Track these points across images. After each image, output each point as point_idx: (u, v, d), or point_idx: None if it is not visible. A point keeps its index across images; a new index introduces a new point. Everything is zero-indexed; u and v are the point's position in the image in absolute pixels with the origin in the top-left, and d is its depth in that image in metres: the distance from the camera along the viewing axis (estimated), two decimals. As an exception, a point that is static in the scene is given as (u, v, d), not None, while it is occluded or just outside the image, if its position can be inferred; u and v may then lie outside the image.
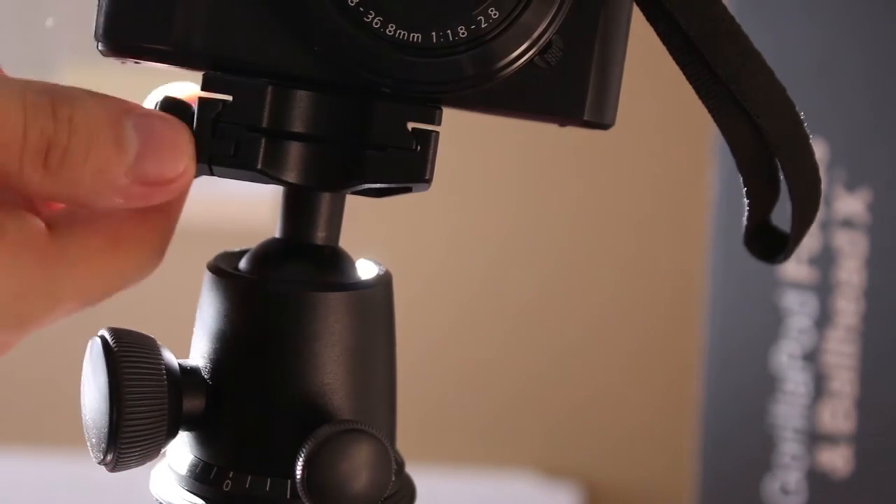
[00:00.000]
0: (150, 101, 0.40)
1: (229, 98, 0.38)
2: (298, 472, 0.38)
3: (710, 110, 0.42)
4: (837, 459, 0.82)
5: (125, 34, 0.38)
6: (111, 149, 0.36)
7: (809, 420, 0.82)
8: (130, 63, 0.39)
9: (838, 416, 0.82)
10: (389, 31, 0.37)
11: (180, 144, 0.37)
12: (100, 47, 0.39)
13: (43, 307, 0.37)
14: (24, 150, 0.35)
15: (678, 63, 0.41)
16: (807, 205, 0.43)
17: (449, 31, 0.37)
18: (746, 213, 0.44)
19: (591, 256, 1.47)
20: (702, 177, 1.00)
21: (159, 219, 0.39)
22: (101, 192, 0.37)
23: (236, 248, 0.43)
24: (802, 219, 0.43)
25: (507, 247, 1.47)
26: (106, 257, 0.38)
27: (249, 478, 0.40)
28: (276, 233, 0.42)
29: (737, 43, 0.41)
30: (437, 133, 0.39)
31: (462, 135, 0.94)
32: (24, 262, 0.36)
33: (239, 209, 1.38)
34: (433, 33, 0.37)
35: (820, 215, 0.80)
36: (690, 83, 0.42)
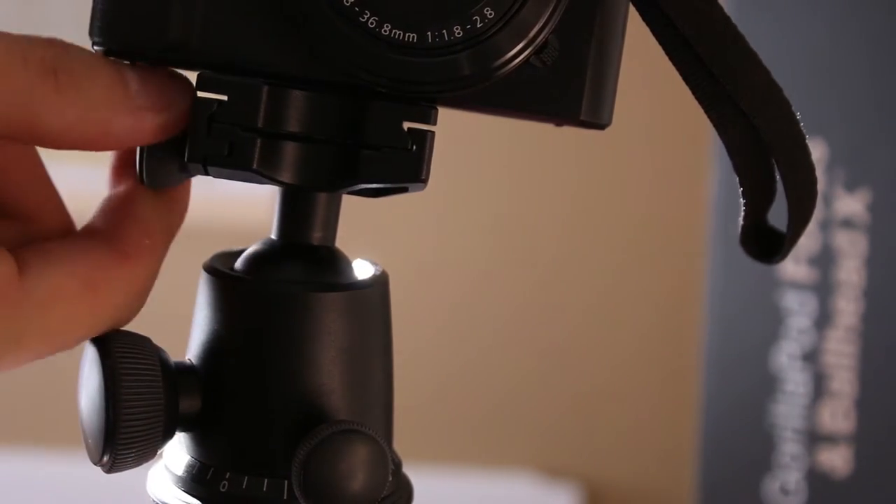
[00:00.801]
0: None
1: (224, 98, 0.38)
2: (295, 472, 0.38)
3: (706, 110, 0.42)
4: (837, 459, 0.82)
5: (121, 34, 0.38)
6: (113, 68, 0.37)
7: (809, 420, 0.82)
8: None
9: (838, 416, 0.81)
10: (385, 31, 0.37)
11: (173, 75, 0.38)
12: (95, 48, 0.39)
13: (3, 349, 0.36)
14: (29, 75, 0.35)
15: (674, 62, 0.41)
16: (803, 205, 0.43)
17: (444, 31, 0.37)
18: (742, 213, 0.44)
19: (592, 256, 1.47)
20: (701, 177, 1.00)
21: (140, 261, 0.38)
22: (113, 111, 0.37)
23: (232, 248, 0.43)
24: (799, 219, 0.43)
25: (507, 246, 1.47)
26: (81, 302, 0.37)
27: (246, 478, 0.40)
28: (272, 233, 0.42)
29: (733, 42, 0.41)
30: (433, 133, 0.38)
31: (460, 134, 0.94)
32: None
33: (235, 209, 1.38)
34: (429, 33, 0.37)
35: (819, 215, 0.80)
36: (686, 83, 0.42)
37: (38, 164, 0.40)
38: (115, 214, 0.39)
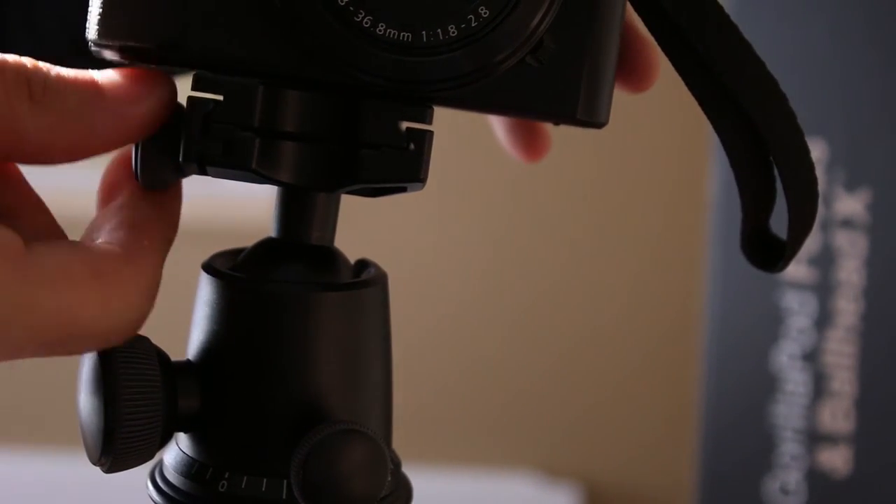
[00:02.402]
0: None
1: (220, 98, 0.38)
2: (294, 472, 0.38)
3: (702, 105, 0.42)
4: (837, 459, 0.82)
5: (117, 34, 0.38)
6: (81, 72, 0.37)
7: (809, 420, 0.82)
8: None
9: (838, 416, 0.81)
10: (379, 31, 0.37)
11: (141, 70, 0.38)
12: (91, 47, 0.39)
13: (20, 321, 0.35)
14: (4, 88, 0.35)
15: (668, 55, 0.41)
16: (803, 208, 0.42)
17: (439, 30, 0.37)
18: (742, 216, 0.44)
19: (592, 257, 1.47)
20: (701, 178, 1.00)
21: (143, 261, 0.38)
22: (92, 111, 0.37)
23: (231, 248, 0.43)
24: (799, 223, 0.43)
25: (507, 247, 1.47)
26: (89, 287, 0.36)
27: (245, 478, 0.40)
28: (271, 233, 0.42)
29: (726, 34, 0.40)
30: (432, 133, 0.39)
31: (460, 135, 0.94)
32: None
33: (234, 209, 1.38)
34: (423, 32, 0.37)
35: (820, 215, 0.80)
36: (681, 76, 0.41)
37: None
38: (111, 220, 0.39)
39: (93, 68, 0.38)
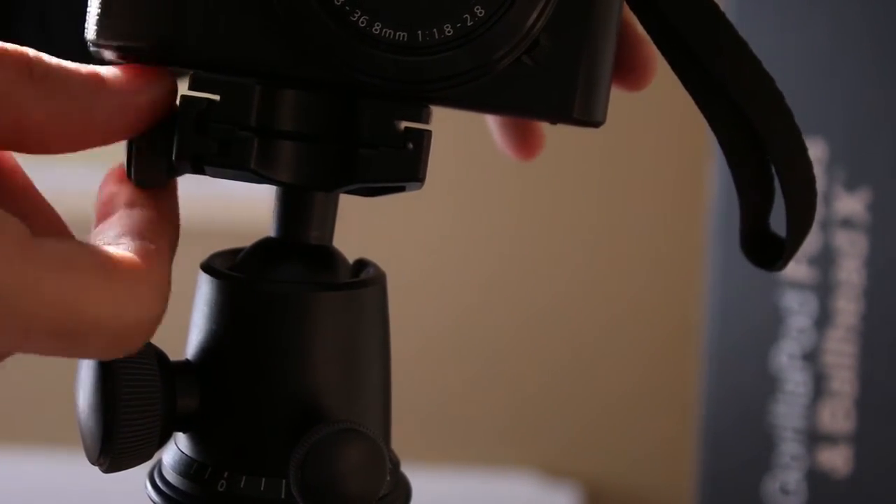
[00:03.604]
0: None
1: (216, 97, 0.38)
2: (293, 471, 0.38)
3: (698, 103, 0.42)
4: (837, 459, 0.82)
5: (115, 34, 0.38)
6: (90, 67, 0.37)
7: (809, 420, 0.82)
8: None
9: (838, 416, 0.81)
10: (375, 30, 0.37)
11: (146, 66, 0.38)
12: (90, 47, 0.39)
13: (24, 302, 0.34)
14: (7, 75, 0.35)
15: (664, 54, 0.41)
16: (802, 205, 0.42)
17: (436, 30, 0.37)
18: (740, 214, 0.44)
19: (591, 258, 1.47)
20: (701, 177, 1.00)
21: (153, 260, 0.37)
22: (93, 100, 0.37)
23: (230, 248, 0.43)
24: (797, 221, 0.43)
25: (505, 247, 1.47)
26: (94, 275, 0.35)
27: (244, 478, 0.40)
28: (270, 232, 0.42)
29: (722, 32, 0.41)
30: (430, 132, 0.39)
31: (460, 135, 0.94)
32: (1, 248, 0.34)
33: (234, 209, 1.38)
34: (419, 31, 0.37)
35: (820, 215, 0.80)
36: (677, 75, 0.41)
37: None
38: (115, 229, 0.39)
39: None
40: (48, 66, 0.37)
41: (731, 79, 0.41)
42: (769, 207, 0.44)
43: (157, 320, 0.37)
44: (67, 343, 0.35)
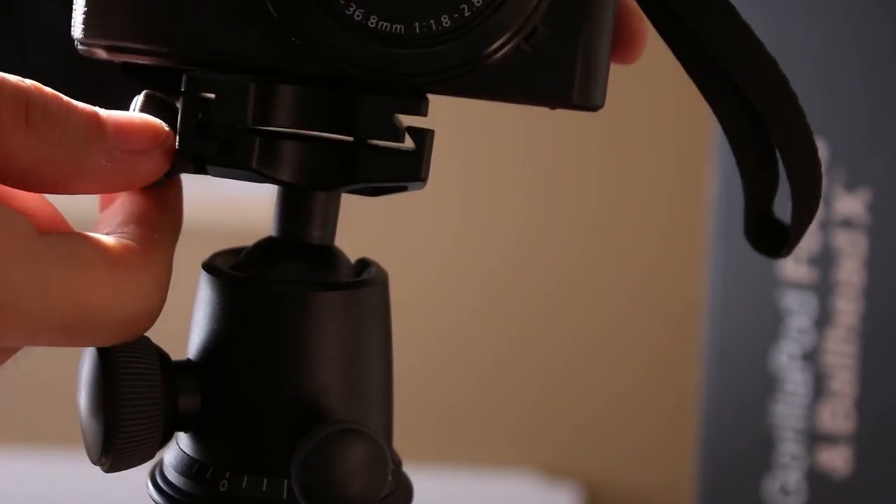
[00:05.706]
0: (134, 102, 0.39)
1: (212, 96, 0.37)
2: (294, 471, 0.38)
3: (700, 87, 0.41)
4: (837, 459, 0.82)
5: (105, 31, 0.38)
6: (89, 108, 0.36)
7: (809, 420, 0.82)
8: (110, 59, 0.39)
9: (838, 416, 0.81)
10: (371, 23, 0.37)
11: (152, 123, 0.37)
12: (79, 46, 0.38)
13: (33, 300, 0.34)
14: (1, 105, 0.34)
15: (663, 36, 0.41)
16: (807, 189, 0.42)
17: (432, 21, 0.37)
18: (744, 201, 0.43)
19: (591, 257, 1.47)
20: (702, 176, 0.99)
21: (154, 252, 0.38)
22: (88, 146, 0.36)
23: (232, 248, 0.43)
24: (803, 205, 0.42)
25: (506, 247, 1.47)
26: (100, 268, 0.36)
27: (246, 478, 0.40)
28: (272, 232, 0.42)
29: (727, 15, 0.40)
30: (433, 132, 0.38)
31: (462, 135, 0.94)
32: (9, 246, 0.34)
33: (235, 208, 1.37)
34: (416, 24, 0.37)
35: (820, 215, 0.80)
36: (678, 59, 0.41)
37: None
38: (117, 217, 0.39)
39: (86, 94, 0.37)
40: (45, 109, 0.35)
41: (735, 62, 0.40)
42: (773, 193, 0.43)
43: (158, 309, 0.37)
44: (73, 335, 0.36)
